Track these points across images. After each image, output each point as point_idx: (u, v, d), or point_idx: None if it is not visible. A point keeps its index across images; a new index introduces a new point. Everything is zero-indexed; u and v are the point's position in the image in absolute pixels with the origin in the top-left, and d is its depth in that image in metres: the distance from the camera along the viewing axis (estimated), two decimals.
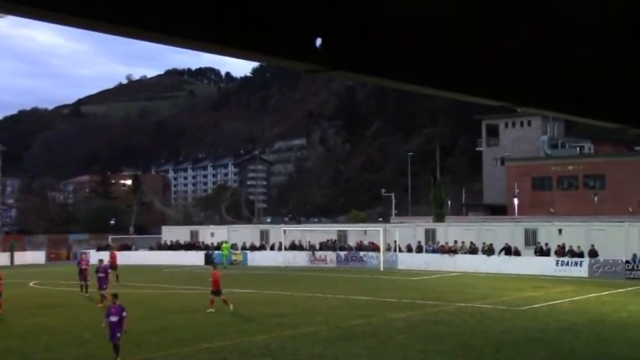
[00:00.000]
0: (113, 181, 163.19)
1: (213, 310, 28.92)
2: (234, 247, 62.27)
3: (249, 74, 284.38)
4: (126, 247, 72.87)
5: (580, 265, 45.93)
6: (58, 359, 20.00)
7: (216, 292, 29.83)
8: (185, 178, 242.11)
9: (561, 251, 47.53)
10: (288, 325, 25.56)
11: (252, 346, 21.50)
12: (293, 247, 60.19)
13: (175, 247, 66.51)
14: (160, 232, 75.73)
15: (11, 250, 73.70)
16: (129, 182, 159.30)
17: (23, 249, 76.92)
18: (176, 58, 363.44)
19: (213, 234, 67.99)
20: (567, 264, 46.48)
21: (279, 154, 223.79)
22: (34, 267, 66.33)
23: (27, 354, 20.11)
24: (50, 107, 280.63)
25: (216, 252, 60.15)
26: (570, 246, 47.35)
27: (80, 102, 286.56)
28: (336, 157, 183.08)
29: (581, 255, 46.39)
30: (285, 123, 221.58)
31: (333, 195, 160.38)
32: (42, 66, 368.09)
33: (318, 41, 3.90)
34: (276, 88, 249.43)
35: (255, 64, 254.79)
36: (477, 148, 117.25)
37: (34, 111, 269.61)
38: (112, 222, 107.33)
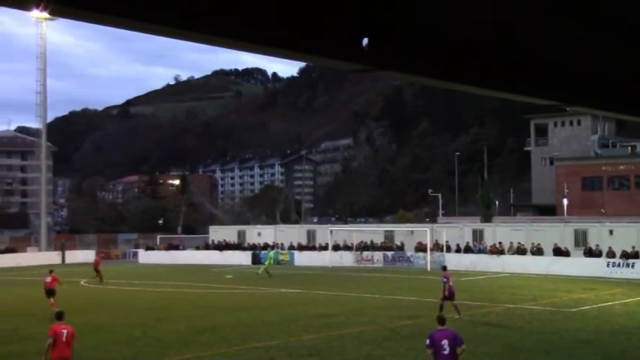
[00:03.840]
0: (161, 181, 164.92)
1: None
2: (281, 247, 62.64)
3: (295, 74, 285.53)
4: (174, 247, 73.65)
5: (632, 267, 45.07)
6: (108, 358, 20.25)
7: None
8: (232, 178, 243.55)
9: (612, 252, 46.70)
10: (335, 325, 25.54)
11: (299, 346, 21.54)
12: (338, 247, 60.19)
13: (222, 247, 66.96)
14: (207, 232, 76.32)
15: (62, 249, 75.02)
16: (177, 182, 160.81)
17: (74, 248, 78.22)
18: (223, 58, 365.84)
19: (260, 234, 68.36)
20: (619, 265, 45.66)
21: (325, 154, 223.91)
22: (84, 266, 67.39)
23: (78, 352, 20.39)
24: (100, 108, 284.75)
25: (263, 252, 60.30)
26: (624, 250, 46.42)
27: (129, 103, 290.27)
28: (382, 157, 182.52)
29: (633, 256, 45.51)
30: (331, 123, 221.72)
31: (379, 195, 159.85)
32: (86, 67, 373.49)
33: (365, 41, 3.88)
34: (323, 88, 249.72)
35: (301, 65, 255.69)
36: (526, 148, 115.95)
37: (84, 112, 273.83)
38: (160, 222, 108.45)
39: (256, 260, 59.62)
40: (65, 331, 14.77)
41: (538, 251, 50.19)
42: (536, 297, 34.34)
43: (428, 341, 13.10)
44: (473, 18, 4.38)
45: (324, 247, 60.99)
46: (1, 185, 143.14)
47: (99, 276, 45.60)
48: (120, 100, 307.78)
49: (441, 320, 13.65)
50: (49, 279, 32.62)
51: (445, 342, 12.86)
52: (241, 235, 69.60)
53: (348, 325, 25.59)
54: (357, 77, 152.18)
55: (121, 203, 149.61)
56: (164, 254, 70.82)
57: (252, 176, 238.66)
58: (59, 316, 15.09)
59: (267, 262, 49.94)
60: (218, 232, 72.55)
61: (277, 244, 63.49)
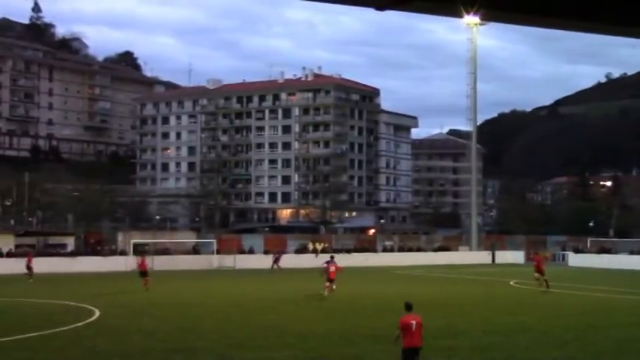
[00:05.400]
0: (592, 183, 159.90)
1: None
2: None
3: None
4: (605, 250, 71.00)
5: None
6: (538, 359, 20.12)
7: None
8: None
9: None
10: None
11: None
12: None
13: None
14: None
15: (492, 249, 76.70)
16: (608, 184, 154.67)
17: (503, 248, 79.45)
18: None
19: None
20: None
21: None
22: (513, 266, 68.12)
23: (510, 352, 20.63)
24: (528, 109, 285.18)
25: None
26: None
27: (558, 103, 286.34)
28: None
29: None
30: None
31: None
32: (513, 69, 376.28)
33: None
34: None
35: None
36: None
37: (513, 113, 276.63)
38: (591, 224, 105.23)
39: None
40: (414, 322, 15.45)
41: None
42: None
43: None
44: None
45: None
46: (435, 186, 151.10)
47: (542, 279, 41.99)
48: (548, 100, 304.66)
49: (408, 306, 15.71)
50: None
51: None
52: None
53: None
54: None
55: (550, 204, 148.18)
56: (595, 257, 68.59)
57: None
58: (408, 307, 15.80)
59: None
60: None
61: None
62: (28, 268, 49.78)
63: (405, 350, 15.44)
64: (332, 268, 37.37)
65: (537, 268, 40.55)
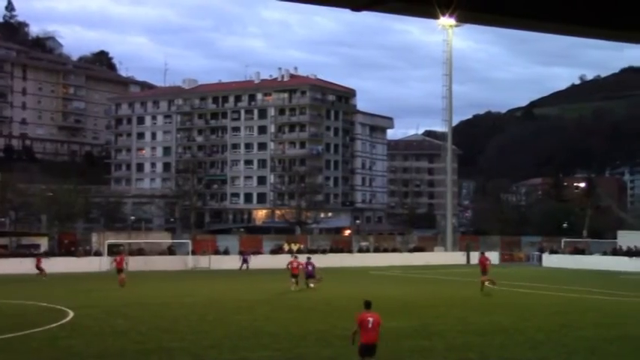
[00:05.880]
0: (566, 184, 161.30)
1: None
2: None
3: None
4: (579, 251, 71.63)
5: None
6: (512, 359, 20.25)
7: None
8: None
9: None
10: None
11: None
12: None
13: (632, 253, 63.43)
14: (615, 237, 72.89)
15: (467, 249, 77.07)
16: (582, 185, 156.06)
17: (479, 249, 79.81)
18: (630, 55, 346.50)
19: None
20: None
21: None
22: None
23: (485, 352, 20.76)
24: (503, 111, 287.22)
25: None
26: None
27: (532, 104, 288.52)
28: None
29: None
30: None
31: None
32: (488, 71, 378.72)
33: None
34: None
35: None
36: None
37: (488, 115, 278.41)
38: (565, 225, 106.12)
39: None
40: (371, 319, 15.96)
41: None
42: None
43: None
44: None
45: None
46: (411, 187, 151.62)
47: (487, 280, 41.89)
48: (523, 102, 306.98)
49: (367, 304, 16.27)
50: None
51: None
52: None
53: None
54: None
55: (525, 205, 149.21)
56: (568, 258, 69.20)
57: None
58: (367, 305, 16.34)
59: None
60: (627, 238, 68.93)
61: None
62: (39, 269, 52.05)
63: (361, 346, 15.98)
64: (294, 264, 40.96)
65: (482, 269, 40.69)
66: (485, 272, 40.28)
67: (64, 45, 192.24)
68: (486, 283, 39.92)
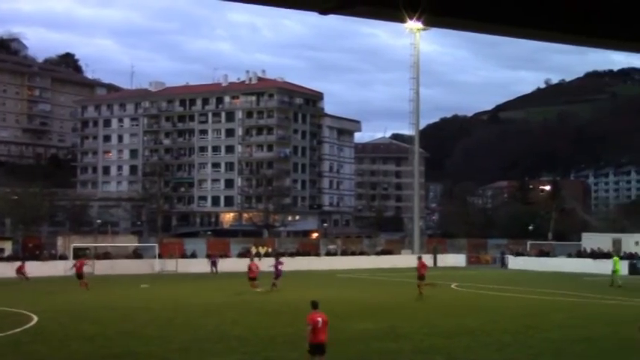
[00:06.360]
0: (531, 187, 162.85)
1: None
2: None
3: None
4: (544, 254, 72.26)
5: None
6: None
7: None
8: (606, 184, 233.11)
9: None
10: None
11: None
12: None
13: (596, 255, 64.22)
14: (579, 239, 73.71)
15: (434, 252, 77.49)
16: (547, 188, 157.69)
17: (446, 251, 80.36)
18: (594, 59, 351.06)
19: (638, 243, 64.45)
20: None
21: None
22: (455, 269, 68.95)
23: (451, 354, 20.87)
24: (469, 114, 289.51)
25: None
26: None
27: (499, 108, 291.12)
28: None
29: None
30: None
31: None
32: (455, 74, 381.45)
33: None
34: None
35: None
36: None
37: (455, 118, 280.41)
38: (530, 227, 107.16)
39: (634, 270, 56.25)
40: (320, 319, 16.41)
41: None
42: None
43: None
44: None
45: None
46: (378, 190, 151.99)
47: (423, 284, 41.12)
48: (489, 105, 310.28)
49: (314, 304, 16.77)
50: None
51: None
52: (616, 243, 66.08)
53: None
54: None
55: (491, 208, 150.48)
56: (534, 260, 69.84)
57: (628, 182, 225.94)
58: (314, 305, 16.80)
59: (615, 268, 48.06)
60: (591, 240, 69.72)
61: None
62: (21, 273, 52.59)
63: (311, 345, 16.51)
64: (253, 267, 42.33)
65: (419, 273, 39.03)
66: (422, 278, 38.60)
67: (29, 47, 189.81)
68: (423, 288, 38.33)
